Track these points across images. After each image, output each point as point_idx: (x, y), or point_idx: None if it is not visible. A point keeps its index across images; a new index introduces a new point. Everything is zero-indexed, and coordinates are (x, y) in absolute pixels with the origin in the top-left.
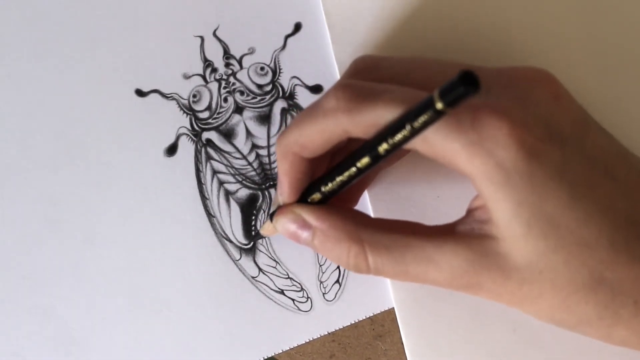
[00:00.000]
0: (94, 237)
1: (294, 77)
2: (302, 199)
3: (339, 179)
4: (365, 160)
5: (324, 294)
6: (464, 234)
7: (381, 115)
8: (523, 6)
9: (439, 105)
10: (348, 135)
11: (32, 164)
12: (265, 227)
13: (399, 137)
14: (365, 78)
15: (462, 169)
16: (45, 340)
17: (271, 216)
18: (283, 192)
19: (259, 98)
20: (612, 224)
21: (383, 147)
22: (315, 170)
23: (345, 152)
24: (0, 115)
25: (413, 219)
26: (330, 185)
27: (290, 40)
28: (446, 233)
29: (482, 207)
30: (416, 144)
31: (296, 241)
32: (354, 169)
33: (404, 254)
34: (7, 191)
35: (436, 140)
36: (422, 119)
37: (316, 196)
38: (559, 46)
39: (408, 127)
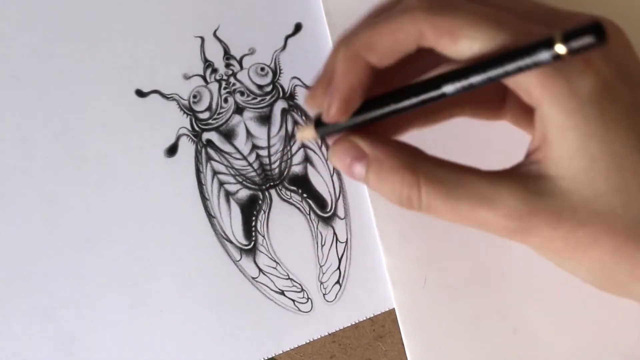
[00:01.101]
0: (94, 237)
1: (295, 77)
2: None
3: (421, 97)
4: (449, 88)
5: (324, 294)
6: (521, 174)
7: (462, 23)
8: None
9: (561, 50)
10: (421, 43)
11: (32, 164)
12: (304, 132)
13: (499, 70)
14: None
15: (533, 93)
16: (45, 340)
17: (316, 123)
18: (334, 100)
19: (259, 98)
20: None
21: (476, 77)
22: (371, 89)
23: (402, 82)
24: (1, 115)
25: None
26: (405, 102)
27: (290, 40)
28: (502, 174)
29: (540, 148)
30: None
31: (350, 174)
32: (432, 92)
33: (457, 188)
34: (7, 191)
35: None
36: (536, 57)
37: (376, 112)
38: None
39: (514, 64)
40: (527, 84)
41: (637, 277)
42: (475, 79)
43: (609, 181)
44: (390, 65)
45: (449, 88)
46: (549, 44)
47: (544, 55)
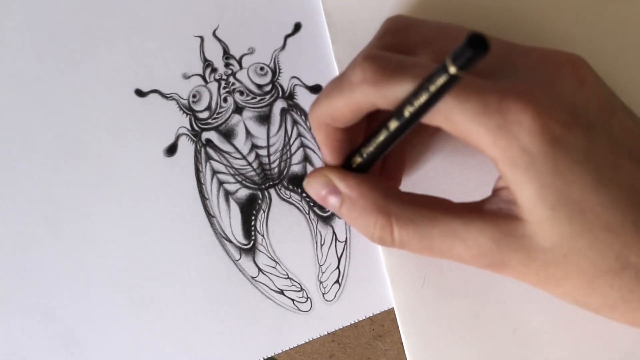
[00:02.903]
0: (93, 237)
1: (294, 77)
2: (346, 164)
3: (374, 141)
4: (394, 124)
5: (323, 294)
6: (491, 212)
7: (408, 90)
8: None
9: (452, 70)
10: (376, 107)
11: (32, 164)
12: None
13: (419, 101)
14: (395, 39)
15: (487, 152)
16: (45, 340)
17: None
18: (325, 159)
19: (258, 98)
20: (637, 208)
21: (408, 109)
22: (353, 136)
23: (381, 117)
24: (1, 115)
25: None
26: (368, 148)
27: (290, 40)
28: (473, 211)
29: (507, 188)
30: (443, 123)
31: (324, 205)
32: (385, 132)
33: (430, 229)
34: (7, 191)
35: (462, 122)
36: (438, 82)
37: (357, 159)
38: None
39: (426, 92)
40: (481, 145)
41: (607, 307)
42: (407, 110)
43: (572, 226)
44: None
45: (392, 125)
46: (445, 69)
47: (445, 78)
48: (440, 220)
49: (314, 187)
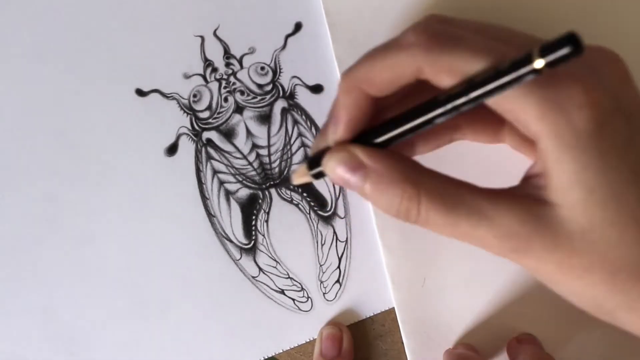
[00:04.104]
0: (94, 237)
1: (295, 76)
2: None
3: (415, 122)
4: (457, 101)
5: (324, 293)
6: (522, 196)
7: (460, 60)
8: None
9: (539, 63)
10: (419, 77)
11: (32, 164)
12: (299, 172)
13: (486, 89)
14: (438, 28)
15: (531, 126)
16: (45, 340)
17: (310, 162)
18: (338, 130)
19: (259, 98)
20: None
21: (474, 94)
22: (374, 112)
23: (405, 106)
24: (1, 115)
25: None
26: (404, 127)
27: (290, 39)
28: (502, 192)
29: (539, 175)
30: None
31: (345, 184)
32: (431, 115)
33: (457, 205)
34: (7, 191)
35: (509, 93)
36: (515, 74)
37: (382, 139)
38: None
39: (498, 81)
40: (526, 118)
41: (626, 306)
42: (461, 101)
43: (605, 212)
44: (390, 94)
45: (439, 112)
46: (528, 60)
47: (525, 71)
48: (468, 198)
49: (334, 166)
